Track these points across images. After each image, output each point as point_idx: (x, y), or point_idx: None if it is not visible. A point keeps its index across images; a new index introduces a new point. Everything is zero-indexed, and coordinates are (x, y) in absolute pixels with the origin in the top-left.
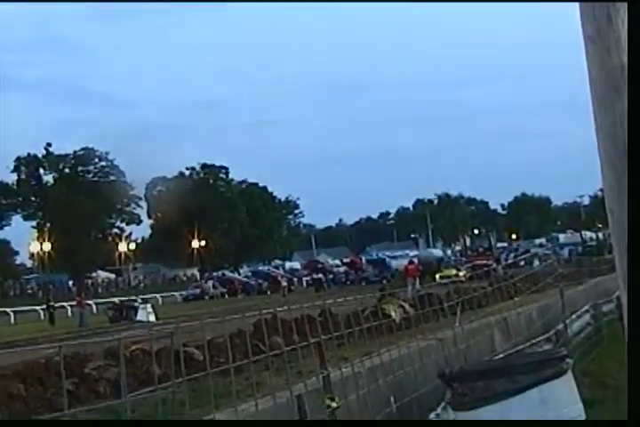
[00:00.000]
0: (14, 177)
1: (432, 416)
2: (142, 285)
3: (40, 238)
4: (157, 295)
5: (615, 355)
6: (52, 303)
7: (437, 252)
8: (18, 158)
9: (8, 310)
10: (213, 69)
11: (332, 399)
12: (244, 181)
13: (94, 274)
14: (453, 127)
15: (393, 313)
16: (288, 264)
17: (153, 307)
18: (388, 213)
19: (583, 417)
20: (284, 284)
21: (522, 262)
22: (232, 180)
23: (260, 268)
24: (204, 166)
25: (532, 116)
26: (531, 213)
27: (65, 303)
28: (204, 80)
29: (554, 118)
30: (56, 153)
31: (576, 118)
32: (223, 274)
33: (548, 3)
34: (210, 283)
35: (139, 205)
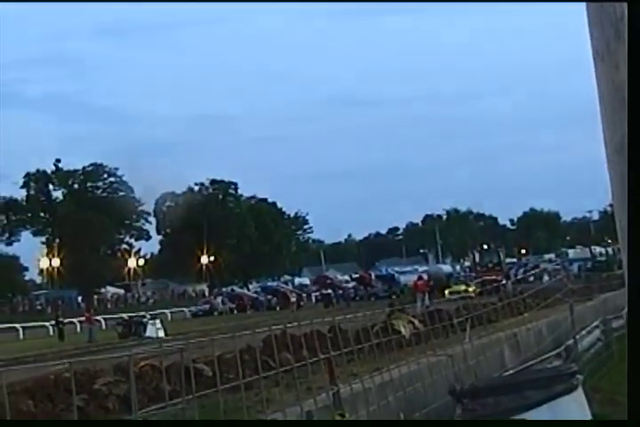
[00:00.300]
0: (24, 193)
1: None
2: (151, 300)
3: (49, 254)
4: (166, 311)
5: (625, 371)
6: (60, 319)
7: (446, 267)
8: (27, 174)
9: (17, 325)
10: (221, 85)
11: (342, 416)
12: (253, 197)
13: (103, 290)
14: (462, 142)
15: (402, 329)
16: (297, 280)
17: (162, 323)
18: (397, 229)
19: None
20: (294, 299)
21: (531, 278)
22: (241, 195)
23: (270, 283)
24: (212, 182)
25: (540, 131)
26: (540, 229)
27: (74, 319)
28: (212, 95)
29: (563, 133)
30: (65, 169)
31: (585, 132)
32: (232, 290)
33: (557, 16)
34: (219, 299)
35: (148, 221)
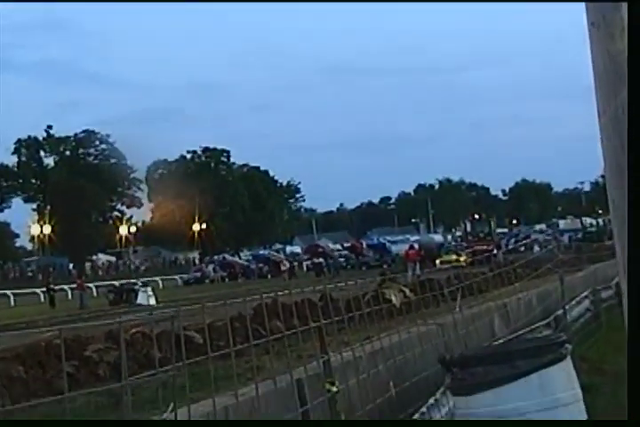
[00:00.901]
0: (15, 159)
1: (431, 401)
2: (143, 268)
3: (40, 221)
4: (158, 279)
5: (613, 341)
6: (52, 286)
7: (438, 237)
8: (18, 140)
9: (8, 292)
10: (215, 53)
11: (332, 384)
12: (245, 165)
13: (95, 257)
14: (455, 112)
15: (393, 298)
16: (289, 248)
17: (153, 290)
18: (389, 198)
19: (581, 402)
20: (284, 268)
21: (522, 248)
22: (233, 163)
23: (261, 252)
24: (205, 150)
25: (533, 102)
26: (531, 199)
27: (65, 286)
28: (206, 63)
29: (556, 103)
30: (57, 136)
31: (578, 104)
32: (224, 258)
33: None
34: (210, 267)
35: (139, 189)
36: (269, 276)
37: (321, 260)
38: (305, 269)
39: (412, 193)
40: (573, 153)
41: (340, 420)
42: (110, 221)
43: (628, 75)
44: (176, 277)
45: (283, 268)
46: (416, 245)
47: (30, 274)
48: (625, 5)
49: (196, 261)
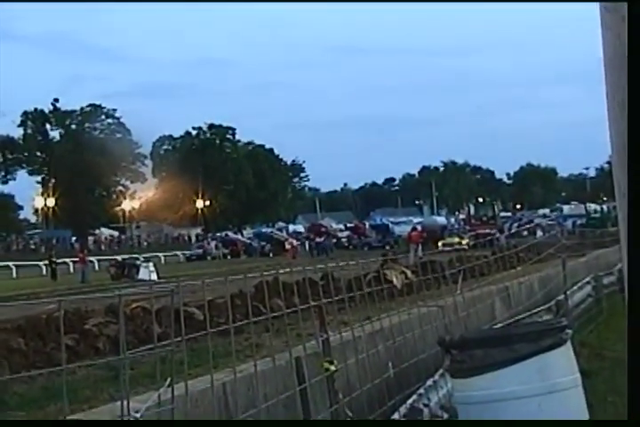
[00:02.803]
0: (20, 132)
1: (429, 383)
2: (145, 243)
3: (44, 194)
4: (160, 254)
5: (614, 327)
6: (54, 259)
7: (441, 219)
8: (25, 113)
9: (10, 264)
10: (223, 29)
11: (331, 363)
12: (250, 143)
13: (97, 231)
14: (462, 95)
15: (395, 279)
16: (292, 227)
17: (155, 266)
18: (393, 180)
19: (580, 387)
20: (289, 247)
21: (525, 233)
22: (239, 141)
23: (264, 230)
24: (210, 126)
25: (541, 86)
26: (536, 184)
27: (67, 259)
28: (214, 40)
29: (563, 88)
30: (63, 109)
31: (586, 89)
32: (226, 235)
33: None
34: (213, 243)
35: (144, 164)
36: (271, 254)
37: (323, 239)
38: (307, 248)
39: (417, 175)
40: (579, 138)
41: (339, 420)
42: (114, 196)
43: (628, 75)
44: (178, 253)
45: (287, 246)
46: (419, 227)
47: (33, 246)
48: (625, 5)
49: (199, 238)
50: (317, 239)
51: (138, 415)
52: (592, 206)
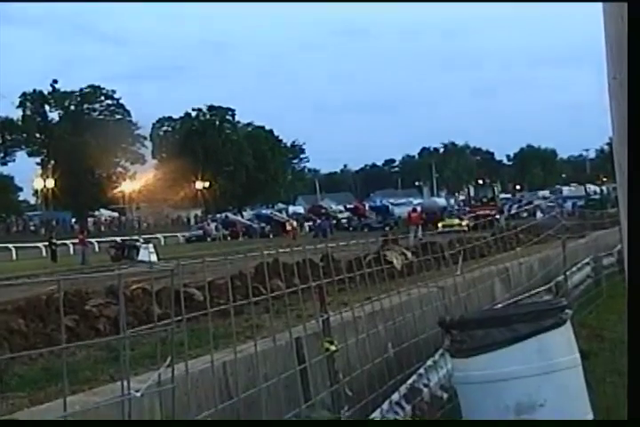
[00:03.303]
0: (20, 113)
1: (429, 363)
2: (145, 224)
3: (44, 175)
4: (160, 236)
5: (613, 308)
6: (54, 240)
7: (441, 201)
8: (23, 94)
9: (10, 245)
10: (223, 11)
11: (331, 343)
12: (250, 124)
13: (97, 213)
14: (462, 76)
15: (395, 260)
16: (292, 208)
17: (155, 247)
18: (393, 161)
19: (579, 367)
20: (290, 228)
21: (525, 214)
22: (238, 122)
23: (264, 211)
24: (210, 108)
25: (542, 68)
26: (536, 165)
27: (67, 241)
28: (214, 22)
29: (564, 70)
30: (62, 90)
31: (587, 71)
32: (226, 216)
33: None
34: (213, 225)
35: (144, 145)
36: (271, 235)
37: (322, 220)
38: (307, 229)
39: (417, 156)
40: (580, 120)
41: (340, 420)
42: (114, 177)
43: (628, 54)
44: (178, 234)
45: (289, 227)
46: (418, 209)
47: (33, 228)
48: (625, 5)
49: (199, 219)
50: (317, 220)
51: (138, 394)
52: (592, 188)
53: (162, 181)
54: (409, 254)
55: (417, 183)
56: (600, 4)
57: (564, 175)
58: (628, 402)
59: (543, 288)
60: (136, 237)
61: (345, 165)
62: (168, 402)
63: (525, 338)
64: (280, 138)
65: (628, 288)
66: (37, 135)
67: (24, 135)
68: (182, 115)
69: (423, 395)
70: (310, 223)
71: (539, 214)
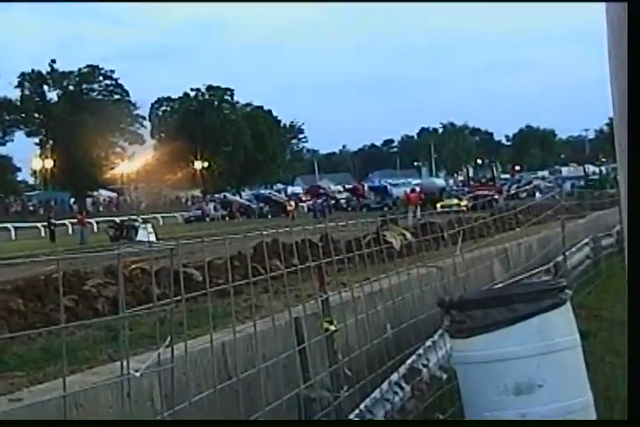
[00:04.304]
0: (18, 93)
1: (428, 343)
2: (143, 205)
3: (42, 155)
4: (158, 216)
5: (612, 289)
6: (52, 221)
7: (440, 181)
8: (22, 74)
9: (9, 225)
10: None
11: (331, 323)
12: (248, 104)
13: (96, 193)
14: (461, 56)
15: (393, 240)
16: (290, 189)
17: (153, 227)
18: (392, 141)
19: (578, 347)
20: (290, 208)
21: (524, 194)
22: (237, 102)
23: (262, 191)
24: (209, 88)
25: (540, 47)
26: (535, 146)
27: (66, 221)
28: (212, 2)
29: (562, 50)
30: (61, 70)
31: (586, 50)
32: (225, 196)
33: None
34: (211, 205)
35: (142, 125)
36: (270, 216)
37: (321, 201)
38: (305, 209)
39: (416, 136)
40: (579, 100)
41: (339, 420)
42: (112, 158)
43: (627, 77)
44: (176, 214)
45: (289, 208)
46: (417, 189)
47: (32, 208)
48: (625, 5)
49: (197, 200)
50: (315, 201)
51: (137, 374)
52: (591, 168)
53: (160, 162)
54: (408, 235)
55: (416, 164)
56: None
57: (563, 156)
58: (628, 402)
59: (542, 269)
60: (134, 218)
61: (344, 146)
62: (167, 382)
63: (525, 318)
64: (279, 118)
65: (628, 272)
66: (36, 115)
67: (22, 115)
68: (181, 95)
69: (422, 375)
70: (310, 203)
71: (538, 195)
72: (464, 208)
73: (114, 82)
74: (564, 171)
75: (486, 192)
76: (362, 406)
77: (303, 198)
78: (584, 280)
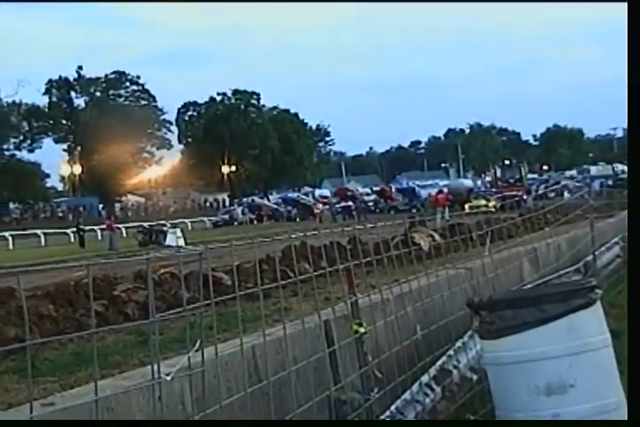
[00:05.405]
0: (46, 100)
1: (458, 344)
2: (172, 209)
3: (71, 162)
4: (186, 220)
5: None
6: (81, 226)
7: (467, 182)
8: (49, 81)
9: (39, 232)
10: None
11: (360, 325)
12: (275, 108)
13: (124, 198)
14: (488, 55)
15: (422, 242)
16: (318, 191)
17: (182, 232)
18: (419, 142)
19: (610, 347)
20: (317, 211)
21: (552, 194)
22: (263, 106)
23: (290, 195)
24: (235, 92)
25: (568, 46)
26: (562, 145)
27: (95, 227)
28: (235, 6)
29: (590, 48)
30: (88, 76)
31: (613, 48)
32: (253, 200)
33: None
34: (239, 209)
35: (169, 130)
36: (298, 219)
37: (350, 203)
38: (334, 212)
39: (442, 137)
40: (606, 98)
41: (340, 420)
42: (140, 163)
43: (627, 78)
44: (205, 219)
45: (316, 211)
46: (445, 190)
47: (61, 214)
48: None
49: (225, 204)
50: (345, 203)
51: (168, 378)
52: (620, 167)
53: (188, 166)
54: (436, 236)
55: (443, 165)
56: None
57: (591, 155)
58: (628, 402)
59: (572, 268)
60: (163, 222)
61: (370, 148)
62: (198, 385)
63: (555, 318)
64: (305, 121)
65: (629, 271)
66: (64, 122)
67: (50, 122)
68: (207, 99)
69: (453, 376)
70: (340, 205)
71: (566, 194)
72: (492, 209)
73: (140, 87)
74: (593, 170)
75: (514, 192)
76: (392, 408)
77: (333, 201)
78: (614, 279)
